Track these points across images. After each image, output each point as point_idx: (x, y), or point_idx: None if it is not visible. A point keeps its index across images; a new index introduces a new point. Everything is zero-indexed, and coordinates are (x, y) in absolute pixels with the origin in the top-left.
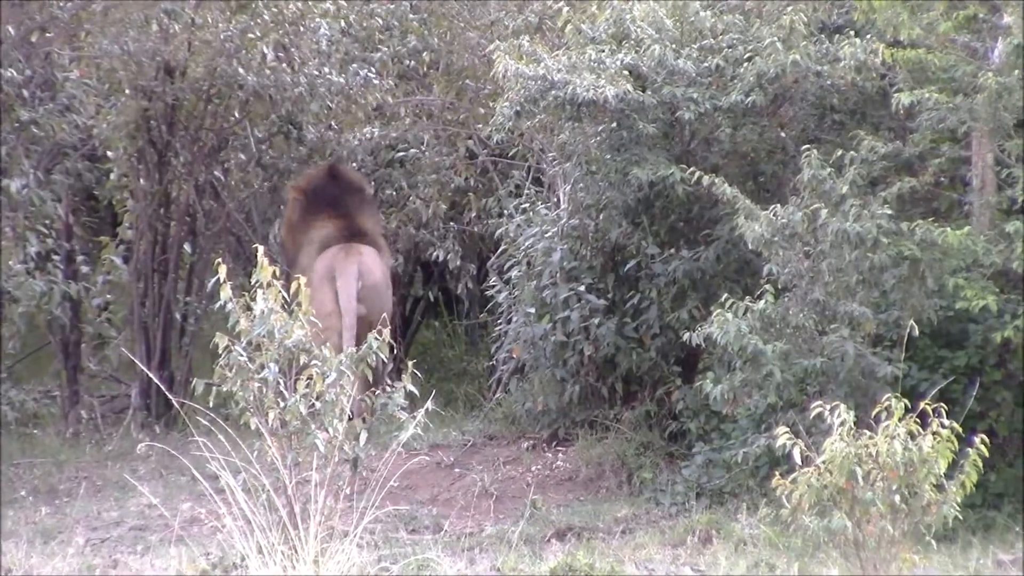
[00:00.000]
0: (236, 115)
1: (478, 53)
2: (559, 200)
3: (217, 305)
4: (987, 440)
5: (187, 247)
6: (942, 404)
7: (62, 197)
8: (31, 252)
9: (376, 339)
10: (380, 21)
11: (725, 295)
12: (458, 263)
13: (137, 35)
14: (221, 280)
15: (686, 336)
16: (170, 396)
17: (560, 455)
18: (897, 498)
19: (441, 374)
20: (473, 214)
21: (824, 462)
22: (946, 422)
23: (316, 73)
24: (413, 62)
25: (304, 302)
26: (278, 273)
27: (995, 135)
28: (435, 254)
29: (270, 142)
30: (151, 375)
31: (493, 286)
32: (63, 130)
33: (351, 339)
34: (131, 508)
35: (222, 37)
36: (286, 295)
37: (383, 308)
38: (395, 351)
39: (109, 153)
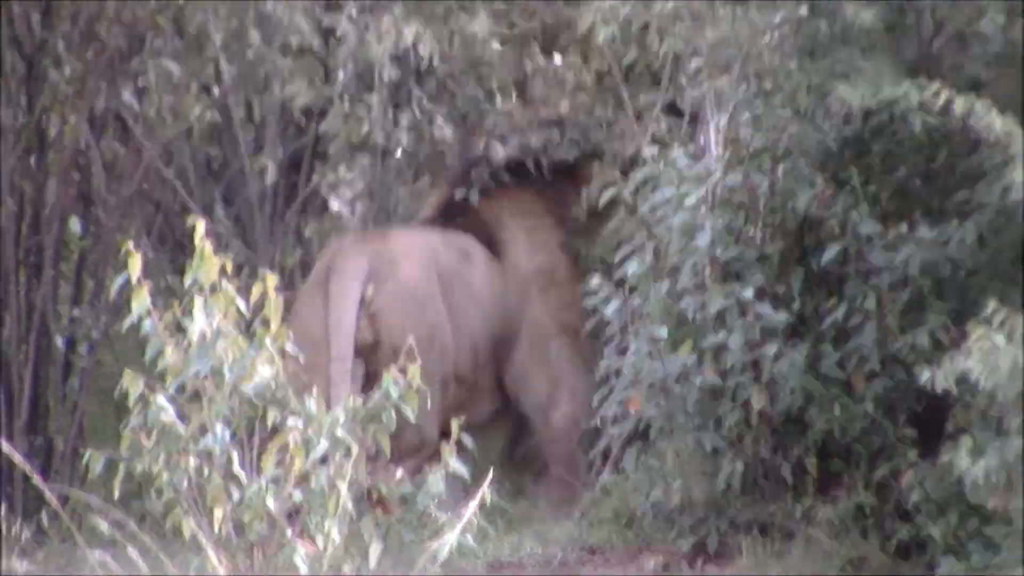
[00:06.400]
0: None
1: None
2: (708, 141)
3: (127, 323)
4: None
5: (75, 223)
6: None
7: None
8: None
9: (395, 380)
10: None
11: (992, 303)
12: None
13: None
14: (134, 280)
15: (924, 376)
16: (43, 483)
17: None
18: None
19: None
20: None
21: None
22: None
23: None
24: None
25: (274, 317)
26: (230, 268)
27: None
28: None
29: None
30: (11, 446)
31: (594, 291)
32: None
33: (343, 380)
34: None
35: None
36: (244, 305)
37: (425, 333)
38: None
39: None
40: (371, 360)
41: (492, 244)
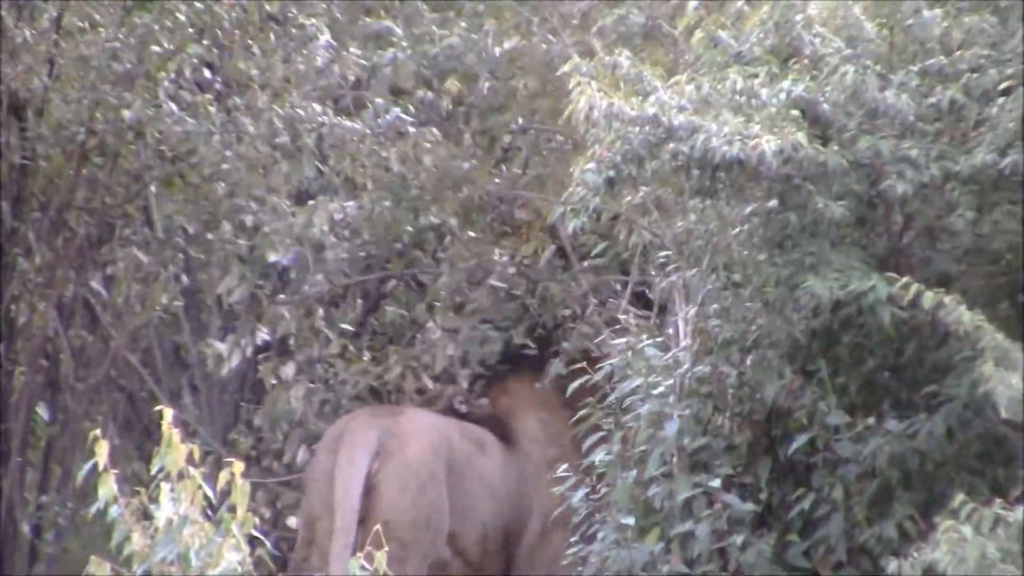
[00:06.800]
0: (128, 184)
1: (547, 73)
2: (676, 332)
3: (93, 509)
4: None
5: (42, 410)
6: None
7: None
8: None
9: (364, 567)
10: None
11: (959, 496)
12: None
13: None
14: (101, 467)
15: (892, 567)
16: None
17: None
18: None
19: None
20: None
21: None
22: None
23: (299, 112)
24: (427, 92)
25: (240, 503)
26: (198, 455)
27: None
28: None
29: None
30: None
31: (563, 477)
32: None
33: (343, 552)
34: None
35: (107, 49)
36: (211, 492)
37: (423, 513)
38: None
39: None
40: (366, 531)
41: (506, 435)
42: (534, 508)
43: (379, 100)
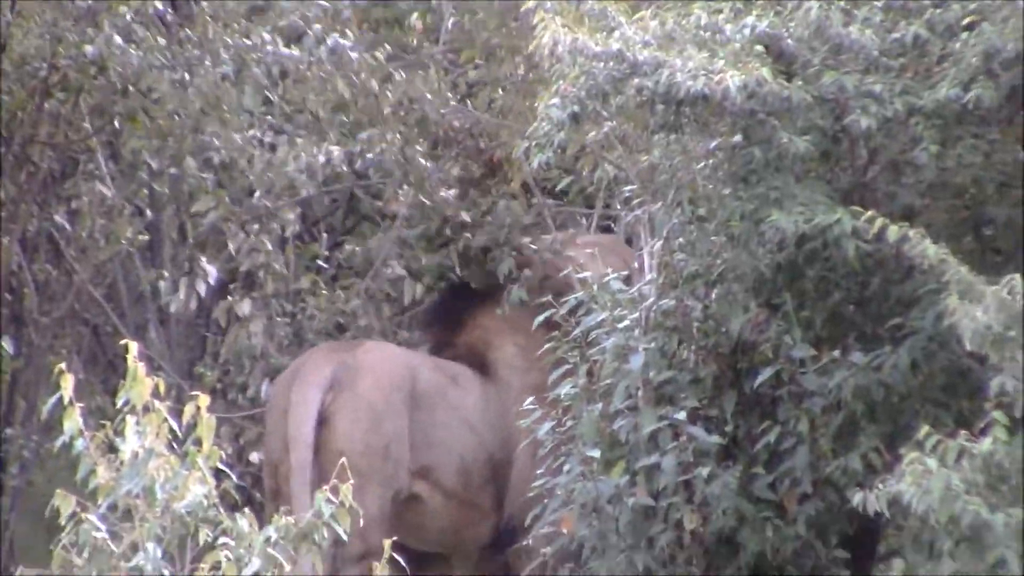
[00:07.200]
0: (91, 119)
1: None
2: (642, 266)
3: (58, 443)
4: None
5: (7, 343)
6: None
7: None
8: None
9: (330, 500)
10: None
11: (925, 428)
12: None
13: None
14: (66, 401)
15: (857, 498)
16: None
17: None
18: None
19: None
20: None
21: None
22: None
23: (247, 42)
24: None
25: (206, 437)
26: (163, 389)
27: None
28: None
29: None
30: None
31: (530, 408)
32: None
33: (302, 491)
34: None
35: None
36: (176, 426)
37: (379, 444)
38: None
39: None
40: (321, 464)
41: (483, 366)
42: (522, 436)
43: (317, 27)
